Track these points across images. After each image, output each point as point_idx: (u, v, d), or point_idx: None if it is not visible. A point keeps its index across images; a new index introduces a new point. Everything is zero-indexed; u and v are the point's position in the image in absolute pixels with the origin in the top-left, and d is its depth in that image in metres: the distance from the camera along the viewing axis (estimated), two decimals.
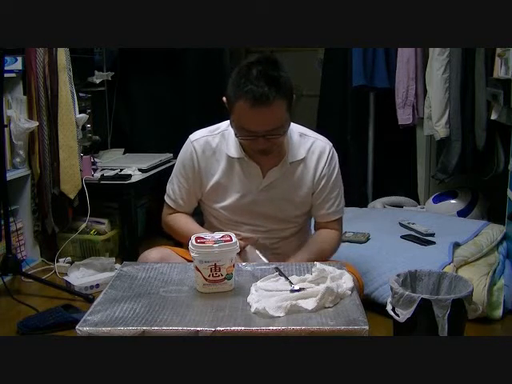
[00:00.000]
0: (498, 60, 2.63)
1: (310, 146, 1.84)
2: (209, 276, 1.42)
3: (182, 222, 1.89)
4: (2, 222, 2.66)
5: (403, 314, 1.76)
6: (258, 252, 1.75)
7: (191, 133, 1.92)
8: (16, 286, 2.80)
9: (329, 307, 1.33)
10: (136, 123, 3.86)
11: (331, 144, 1.88)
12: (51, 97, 2.93)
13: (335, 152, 1.87)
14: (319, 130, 1.94)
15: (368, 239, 2.72)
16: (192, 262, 1.47)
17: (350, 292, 1.40)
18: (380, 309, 2.08)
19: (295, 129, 1.85)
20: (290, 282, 1.44)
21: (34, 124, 2.92)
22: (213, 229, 1.83)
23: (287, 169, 1.81)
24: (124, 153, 3.68)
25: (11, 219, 2.76)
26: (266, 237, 1.86)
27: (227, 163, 1.82)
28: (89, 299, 2.59)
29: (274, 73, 1.61)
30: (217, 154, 1.83)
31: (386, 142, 3.66)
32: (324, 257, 1.82)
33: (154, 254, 1.80)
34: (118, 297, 1.41)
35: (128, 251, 3.09)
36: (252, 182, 1.81)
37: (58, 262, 3.04)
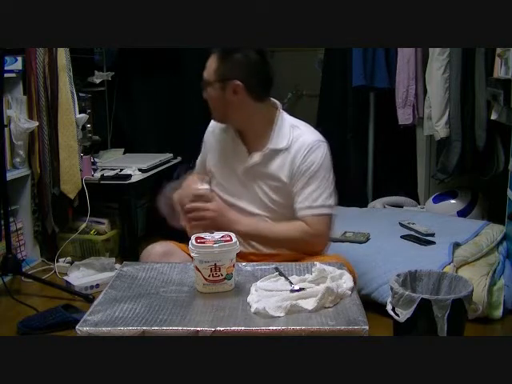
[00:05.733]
0: (498, 60, 2.63)
1: (294, 137, 1.84)
2: (209, 276, 1.42)
3: None
4: (2, 222, 2.66)
5: (403, 314, 1.76)
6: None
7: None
8: (16, 286, 2.80)
9: (329, 307, 1.33)
10: (136, 123, 3.86)
11: (321, 140, 1.85)
12: (51, 97, 2.94)
13: (322, 148, 1.83)
14: (319, 130, 1.94)
15: (368, 239, 2.72)
16: None
17: (349, 292, 1.40)
18: (380, 309, 2.08)
19: (290, 120, 1.89)
20: (290, 281, 1.44)
21: (34, 124, 2.92)
22: None
23: (267, 155, 1.84)
24: (124, 153, 3.68)
25: (11, 219, 2.76)
26: None
27: (221, 142, 1.94)
28: (89, 299, 2.59)
29: (241, 50, 1.77)
30: (218, 133, 1.96)
31: (385, 142, 3.66)
32: (276, 239, 1.82)
33: (158, 247, 1.83)
34: (118, 297, 1.41)
35: (128, 251, 3.09)
36: (239, 163, 1.88)
37: (57, 262, 3.04)
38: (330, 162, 1.85)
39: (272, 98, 1.89)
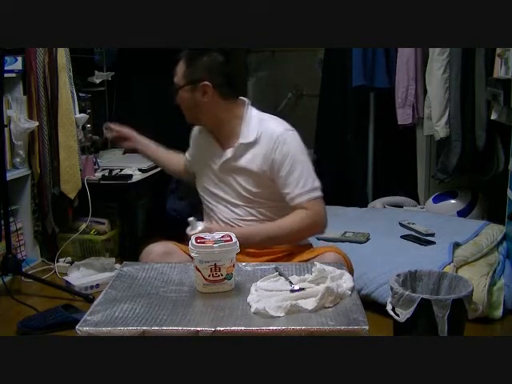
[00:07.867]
0: (498, 60, 2.63)
1: (262, 130, 1.89)
2: (209, 276, 1.42)
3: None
4: (2, 222, 2.66)
5: (403, 314, 1.76)
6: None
7: (191, 133, 2.04)
8: (16, 286, 2.80)
9: (329, 307, 1.33)
10: (136, 123, 3.85)
11: (289, 128, 1.90)
12: (51, 97, 2.94)
13: (292, 135, 1.89)
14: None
15: (368, 239, 2.72)
16: None
17: (349, 292, 1.40)
18: (380, 309, 2.08)
19: (257, 114, 1.93)
20: (290, 281, 1.44)
21: (34, 124, 2.92)
22: (205, 209, 2.02)
23: (238, 149, 1.89)
24: (124, 153, 3.66)
25: (11, 219, 2.76)
26: (239, 218, 1.90)
27: (200, 142, 2.03)
28: (89, 299, 2.59)
29: (206, 53, 1.86)
30: (197, 135, 2.06)
31: (386, 142, 3.66)
32: (285, 234, 1.85)
33: (159, 247, 1.85)
34: (118, 297, 1.41)
35: (128, 251, 3.09)
36: (215, 160, 1.94)
37: (58, 261, 3.04)
38: (303, 146, 1.91)
39: (241, 97, 1.95)
